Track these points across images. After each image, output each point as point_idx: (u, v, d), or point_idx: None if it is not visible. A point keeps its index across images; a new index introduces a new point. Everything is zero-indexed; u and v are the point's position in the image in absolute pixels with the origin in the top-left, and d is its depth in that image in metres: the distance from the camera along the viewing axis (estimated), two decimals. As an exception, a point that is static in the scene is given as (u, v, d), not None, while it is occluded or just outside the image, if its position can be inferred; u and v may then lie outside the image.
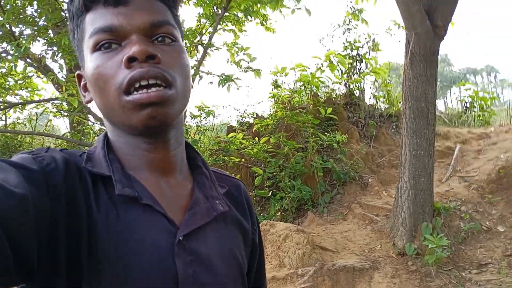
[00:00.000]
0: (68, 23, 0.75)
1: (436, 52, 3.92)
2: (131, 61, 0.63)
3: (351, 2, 5.67)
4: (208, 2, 5.16)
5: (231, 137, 5.75)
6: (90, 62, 0.67)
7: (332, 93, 6.87)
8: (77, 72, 0.77)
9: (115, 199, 0.64)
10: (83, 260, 0.57)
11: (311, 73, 5.97)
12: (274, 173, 5.43)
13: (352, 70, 6.80)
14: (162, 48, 0.67)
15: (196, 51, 4.89)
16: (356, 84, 6.87)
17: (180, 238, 0.66)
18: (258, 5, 5.73)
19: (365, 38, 6.96)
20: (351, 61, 6.65)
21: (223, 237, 0.75)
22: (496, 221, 4.41)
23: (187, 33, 4.84)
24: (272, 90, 6.41)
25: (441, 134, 6.49)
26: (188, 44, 4.89)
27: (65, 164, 0.62)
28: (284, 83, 6.32)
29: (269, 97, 6.61)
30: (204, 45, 4.99)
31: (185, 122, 5.47)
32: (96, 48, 0.66)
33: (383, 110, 7.10)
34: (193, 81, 5.13)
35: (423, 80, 3.97)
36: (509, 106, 8.62)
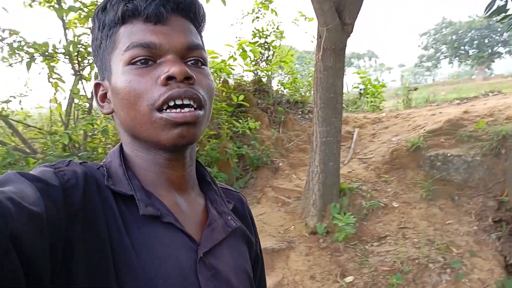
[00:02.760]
0: (93, 31, 0.73)
1: (344, 47, 4.25)
2: (169, 80, 0.65)
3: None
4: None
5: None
6: (123, 75, 0.66)
7: (241, 80, 7.03)
8: (96, 81, 0.75)
9: (138, 218, 0.65)
10: (111, 280, 0.58)
11: (223, 60, 6.05)
12: (189, 160, 5.44)
13: (261, 58, 7.01)
14: (194, 70, 0.69)
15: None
16: (265, 72, 7.12)
17: (201, 255, 0.68)
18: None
19: (272, 27, 7.22)
20: (259, 49, 6.86)
21: (235, 252, 0.78)
22: (391, 197, 4.99)
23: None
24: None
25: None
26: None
27: (84, 180, 0.62)
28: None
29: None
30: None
31: (93, 109, 5.21)
32: (131, 62, 0.66)
33: (289, 96, 7.47)
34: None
35: (332, 73, 4.28)
36: (395, 92, 9.62)
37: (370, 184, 5.22)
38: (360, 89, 8.91)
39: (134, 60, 0.66)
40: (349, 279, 3.83)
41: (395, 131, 6.44)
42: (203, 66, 0.72)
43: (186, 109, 0.65)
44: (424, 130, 5.85)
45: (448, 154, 5.22)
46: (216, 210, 0.79)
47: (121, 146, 0.76)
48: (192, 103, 0.66)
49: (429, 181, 5.04)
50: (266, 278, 1.00)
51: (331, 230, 4.38)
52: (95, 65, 0.76)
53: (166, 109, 0.65)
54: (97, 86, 0.75)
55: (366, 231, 4.54)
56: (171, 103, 0.65)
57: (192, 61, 0.70)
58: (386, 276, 3.81)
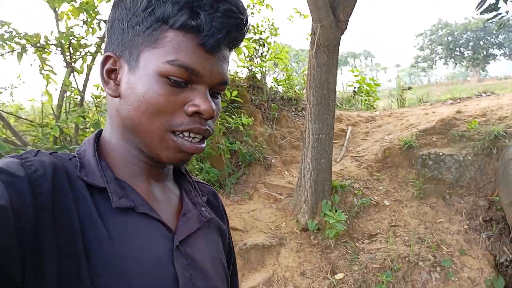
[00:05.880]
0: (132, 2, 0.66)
1: (338, 44, 4.24)
2: (195, 113, 0.66)
3: (256, -13, 5.79)
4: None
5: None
6: (154, 83, 0.64)
7: (235, 76, 6.99)
8: (109, 53, 0.69)
9: (113, 208, 0.65)
10: (82, 270, 0.56)
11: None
12: (181, 156, 5.42)
13: (255, 54, 6.98)
14: (214, 102, 0.69)
15: (99, 28, 4.62)
16: (259, 68, 7.08)
17: (177, 243, 0.69)
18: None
19: (267, 23, 7.18)
20: (254, 45, 6.82)
21: (210, 242, 0.79)
22: (383, 196, 5.00)
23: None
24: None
25: (335, 117, 7.04)
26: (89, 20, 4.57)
27: (53, 170, 0.61)
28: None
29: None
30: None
31: (85, 101, 5.16)
32: (167, 76, 0.64)
33: (283, 93, 7.44)
34: (95, 59, 4.63)
35: (325, 70, 4.27)
36: (390, 92, 9.64)
37: (362, 182, 5.22)
38: (355, 88, 8.90)
39: (170, 77, 0.64)
40: (339, 276, 3.83)
41: (388, 130, 6.44)
42: (219, 97, 0.73)
43: (196, 140, 0.68)
44: (417, 129, 5.86)
45: (440, 153, 5.23)
46: (190, 200, 0.80)
47: (96, 135, 0.75)
48: (203, 137, 0.69)
49: (420, 180, 5.05)
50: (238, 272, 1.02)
51: (322, 227, 4.38)
52: (107, 34, 0.70)
53: (178, 134, 0.66)
54: (108, 58, 0.69)
55: (357, 228, 4.54)
56: (186, 133, 0.67)
57: (215, 94, 0.71)
58: (376, 274, 3.81)
